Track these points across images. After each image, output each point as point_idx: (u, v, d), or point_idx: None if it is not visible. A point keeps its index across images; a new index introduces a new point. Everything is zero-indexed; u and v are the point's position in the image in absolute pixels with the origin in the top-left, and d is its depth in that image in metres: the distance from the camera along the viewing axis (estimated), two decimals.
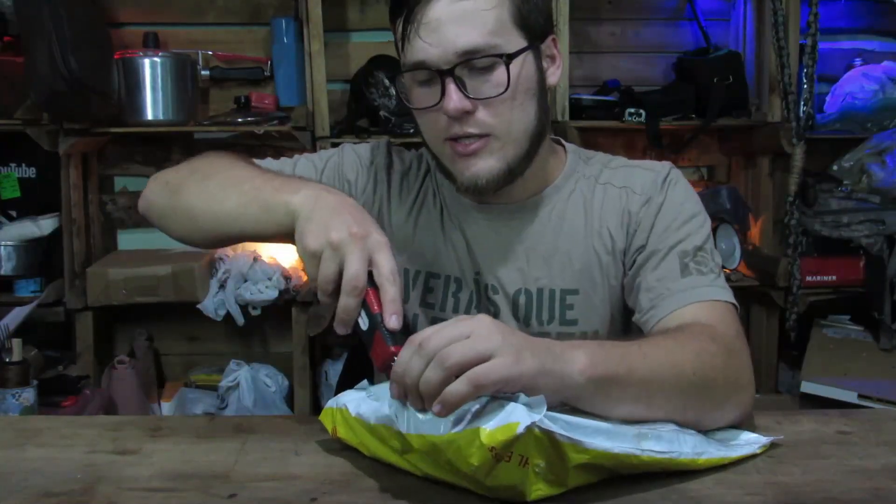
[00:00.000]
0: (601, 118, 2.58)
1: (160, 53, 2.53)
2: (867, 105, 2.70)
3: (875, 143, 2.64)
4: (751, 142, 2.74)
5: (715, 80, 2.58)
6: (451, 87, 1.02)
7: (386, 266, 0.88)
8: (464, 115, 1.03)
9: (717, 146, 2.94)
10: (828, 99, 2.82)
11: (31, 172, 2.71)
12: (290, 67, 2.63)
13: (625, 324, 1.18)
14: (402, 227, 1.21)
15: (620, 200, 1.16)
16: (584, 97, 2.62)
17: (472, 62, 1.02)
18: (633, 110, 2.54)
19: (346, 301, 0.86)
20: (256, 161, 1.17)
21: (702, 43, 2.79)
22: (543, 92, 1.10)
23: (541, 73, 1.09)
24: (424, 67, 1.03)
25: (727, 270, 2.59)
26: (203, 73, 2.66)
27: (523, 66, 1.05)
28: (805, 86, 2.55)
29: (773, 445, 0.93)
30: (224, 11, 2.74)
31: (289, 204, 0.94)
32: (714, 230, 2.68)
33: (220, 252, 2.65)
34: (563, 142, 1.24)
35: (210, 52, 2.69)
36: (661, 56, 2.85)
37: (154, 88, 2.50)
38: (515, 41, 1.04)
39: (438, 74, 1.02)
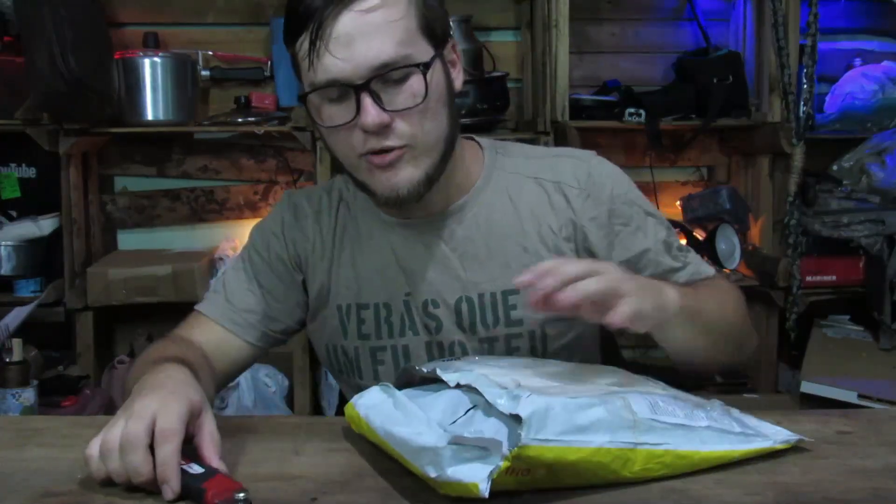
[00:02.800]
0: (601, 118, 2.57)
1: (160, 53, 2.53)
2: (867, 105, 2.70)
3: (875, 143, 2.64)
4: (751, 142, 2.73)
5: (715, 80, 2.58)
6: (368, 102, 0.99)
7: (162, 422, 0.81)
8: (381, 129, 1.01)
9: (717, 146, 2.93)
10: (828, 99, 2.82)
11: (31, 172, 2.70)
12: (291, 67, 2.62)
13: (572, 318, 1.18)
14: (328, 266, 1.19)
15: (556, 195, 1.16)
16: (584, 97, 2.62)
17: (387, 75, 1.00)
18: (633, 110, 2.54)
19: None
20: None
21: (702, 43, 2.79)
22: (452, 97, 1.08)
23: (448, 79, 1.08)
24: (337, 84, 1.01)
25: (727, 271, 2.59)
26: (203, 73, 2.65)
27: (434, 74, 1.04)
28: (805, 86, 2.55)
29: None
30: (224, 11, 2.74)
31: None
32: (714, 230, 2.71)
33: (221, 252, 2.65)
34: (477, 138, 1.22)
35: (210, 52, 2.69)
36: (661, 56, 2.85)
37: (154, 88, 2.49)
38: (424, 50, 1.03)
39: (353, 90, 1.00)
